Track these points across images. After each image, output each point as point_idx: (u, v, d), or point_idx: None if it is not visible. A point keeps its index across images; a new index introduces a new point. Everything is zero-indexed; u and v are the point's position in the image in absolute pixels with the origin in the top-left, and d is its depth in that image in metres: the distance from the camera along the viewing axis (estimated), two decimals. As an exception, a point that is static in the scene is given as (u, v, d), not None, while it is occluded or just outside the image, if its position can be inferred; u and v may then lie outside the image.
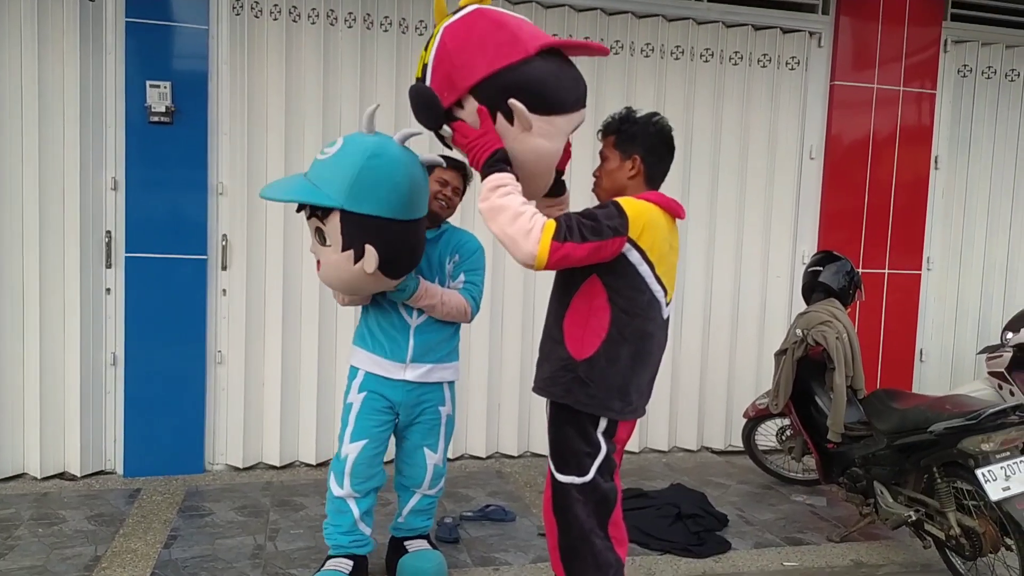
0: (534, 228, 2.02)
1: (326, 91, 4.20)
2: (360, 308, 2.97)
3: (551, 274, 2.32)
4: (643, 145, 2.30)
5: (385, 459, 2.94)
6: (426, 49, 2.25)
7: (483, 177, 2.12)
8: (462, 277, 2.97)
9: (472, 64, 2.12)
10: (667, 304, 2.31)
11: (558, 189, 2.45)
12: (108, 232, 4.01)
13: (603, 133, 2.38)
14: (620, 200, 2.17)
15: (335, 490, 2.86)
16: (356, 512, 2.87)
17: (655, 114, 2.36)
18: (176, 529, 3.45)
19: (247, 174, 4.12)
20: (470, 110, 2.15)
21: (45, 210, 3.89)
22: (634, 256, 2.16)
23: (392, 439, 2.99)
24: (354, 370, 2.92)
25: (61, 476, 4.03)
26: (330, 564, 2.84)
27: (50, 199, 3.89)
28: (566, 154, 2.35)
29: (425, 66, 2.23)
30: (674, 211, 2.28)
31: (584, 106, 2.29)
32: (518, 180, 2.13)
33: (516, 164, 2.15)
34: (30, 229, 3.88)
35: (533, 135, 2.16)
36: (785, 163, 4.91)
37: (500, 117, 2.14)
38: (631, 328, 2.20)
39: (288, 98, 4.15)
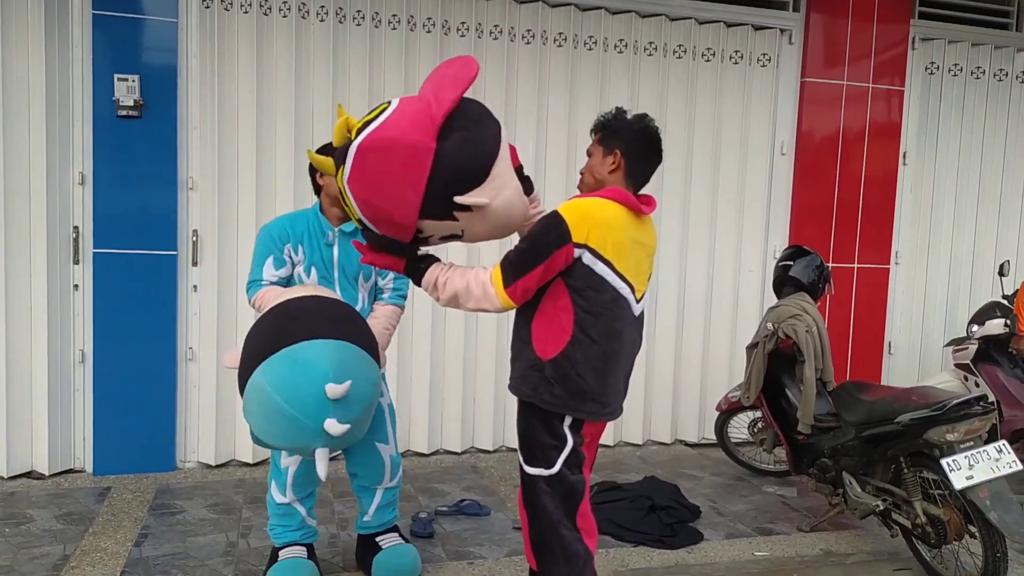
0: (486, 288, 2.16)
1: (297, 85, 4.17)
2: None
3: None
4: (625, 141, 2.31)
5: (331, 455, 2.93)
6: (347, 205, 2.16)
7: (413, 278, 2.26)
8: (390, 281, 2.97)
9: (399, 200, 2.07)
10: (637, 300, 2.31)
11: (527, 188, 2.42)
12: (76, 228, 3.95)
13: (593, 131, 2.41)
14: (562, 207, 2.18)
15: (278, 498, 2.86)
16: (303, 511, 2.90)
17: (645, 115, 2.39)
18: (147, 527, 3.41)
19: (217, 169, 4.08)
20: (432, 228, 2.16)
21: (10, 205, 3.82)
22: (587, 257, 2.16)
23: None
24: None
25: (28, 475, 3.97)
26: (286, 553, 2.85)
27: (16, 194, 3.83)
28: (513, 154, 2.28)
29: (360, 220, 2.17)
30: (635, 207, 2.25)
31: (499, 132, 2.17)
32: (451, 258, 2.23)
33: (498, 225, 2.20)
34: (-5, 224, 3.81)
35: (495, 200, 2.13)
36: (757, 159, 4.97)
37: (462, 215, 2.12)
38: (598, 328, 2.20)
39: (259, 92, 4.11)
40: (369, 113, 2.14)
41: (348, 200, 2.14)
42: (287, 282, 2.86)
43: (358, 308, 2.85)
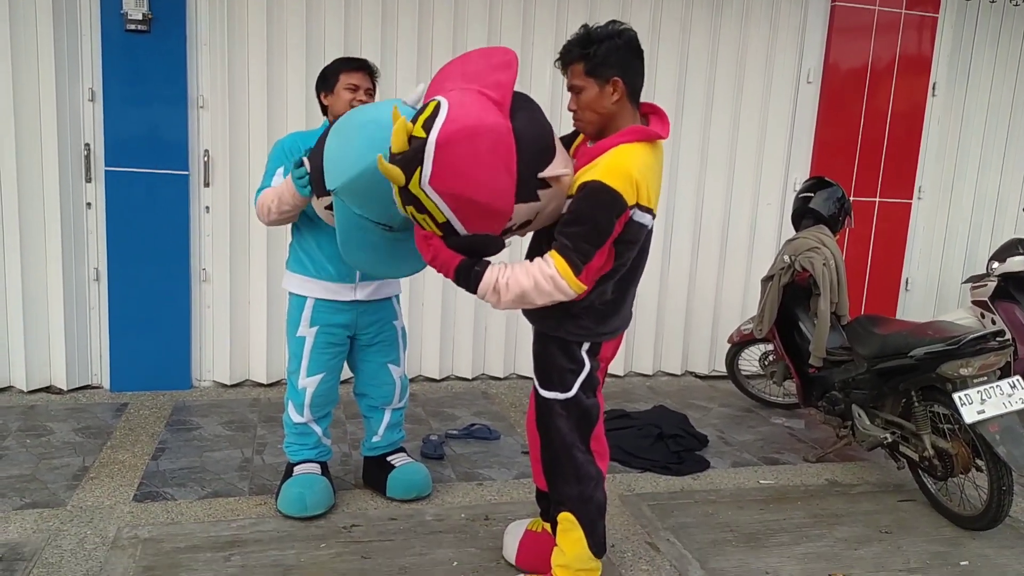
0: (556, 282, 2.04)
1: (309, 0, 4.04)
2: (291, 229, 2.88)
3: None
4: (617, 64, 2.08)
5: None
6: (421, 212, 2.02)
7: (467, 285, 2.10)
8: None
9: (496, 186, 1.99)
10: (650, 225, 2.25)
11: None
12: (87, 145, 3.91)
13: (564, 62, 2.14)
14: (603, 174, 2.02)
15: (295, 418, 2.90)
16: (319, 431, 2.95)
17: (614, 24, 2.13)
18: (164, 442, 3.49)
19: (228, 86, 4.00)
20: (519, 213, 2.07)
21: (21, 121, 3.78)
22: (638, 215, 2.09)
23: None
24: (299, 299, 2.83)
25: (48, 390, 4.05)
26: (301, 468, 2.91)
27: (26, 108, 3.78)
28: None
29: (446, 223, 2.03)
30: (657, 136, 2.15)
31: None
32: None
33: (563, 199, 2.12)
34: (6, 142, 3.78)
35: (569, 170, 2.11)
36: (781, 87, 4.82)
37: (543, 192, 2.07)
38: (626, 263, 2.18)
39: (269, 6, 3.99)
40: (420, 114, 1.99)
41: (431, 203, 1.98)
42: None
43: None
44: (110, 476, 3.11)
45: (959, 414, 2.92)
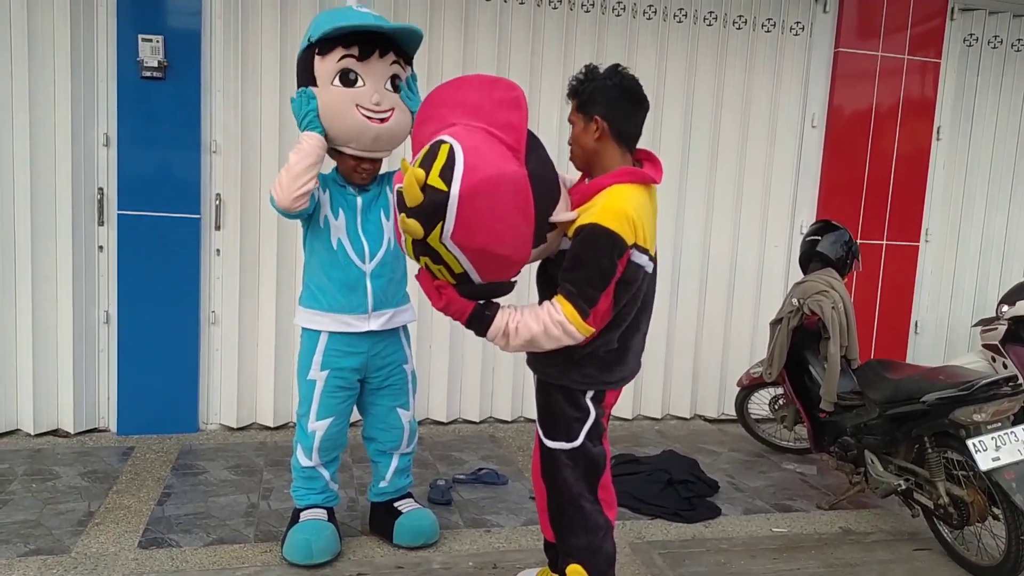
0: (564, 327, 2.05)
1: (322, 49, 4.12)
2: (305, 267, 2.86)
3: None
4: (603, 103, 2.14)
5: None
6: (437, 263, 2.02)
7: (477, 329, 2.12)
8: None
9: (516, 237, 2.00)
10: (652, 262, 2.23)
11: None
12: (100, 189, 3.96)
13: (568, 97, 2.24)
14: (601, 218, 2.04)
15: (303, 461, 2.88)
16: (327, 475, 2.93)
17: (616, 67, 2.20)
18: (169, 487, 3.46)
19: (241, 132, 4.06)
20: (533, 256, 2.13)
21: (37, 165, 3.83)
22: (635, 255, 2.10)
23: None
24: (313, 335, 2.80)
25: (55, 433, 4.04)
26: (308, 514, 2.88)
27: (42, 154, 3.84)
28: None
29: (463, 273, 2.04)
30: (651, 179, 2.19)
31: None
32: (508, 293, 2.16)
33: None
34: (21, 185, 3.83)
35: (572, 211, 2.15)
36: (786, 131, 4.86)
37: (550, 235, 2.12)
38: (628, 309, 2.18)
39: (282, 54, 4.07)
40: (432, 160, 1.93)
41: (450, 256, 1.97)
42: (309, 216, 2.75)
43: (386, 246, 2.81)
44: (115, 522, 3.08)
45: (974, 461, 2.88)
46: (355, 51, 2.59)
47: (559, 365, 2.21)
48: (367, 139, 2.67)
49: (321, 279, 2.79)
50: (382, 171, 2.90)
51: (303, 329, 2.85)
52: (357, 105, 2.62)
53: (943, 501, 3.05)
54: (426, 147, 2.00)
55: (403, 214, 1.96)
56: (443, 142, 1.96)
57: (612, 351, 2.21)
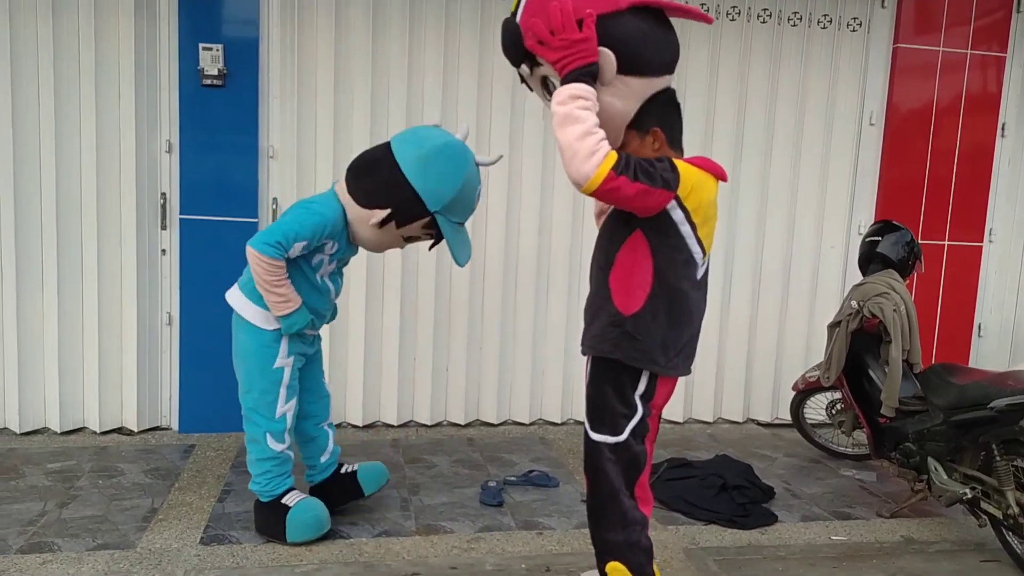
0: (598, 152, 2.00)
1: (375, 56, 4.18)
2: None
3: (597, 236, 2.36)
4: (655, 114, 2.22)
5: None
6: None
7: (566, 81, 2.06)
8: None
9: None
10: (702, 264, 2.28)
11: None
12: (163, 194, 4.08)
13: None
14: (674, 159, 2.16)
15: (276, 447, 2.97)
16: (293, 457, 3.07)
17: None
18: (229, 484, 3.54)
19: (297, 138, 4.14)
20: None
21: (102, 172, 3.97)
22: (677, 215, 2.15)
23: None
24: (276, 334, 2.94)
25: (119, 431, 4.17)
26: (293, 497, 2.99)
27: (108, 162, 3.97)
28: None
29: (519, 3, 2.17)
30: (718, 174, 2.26)
31: (670, 72, 2.22)
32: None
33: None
34: (88, 191, 3.97)
35: (605, 92, 2.12)
36: (843, 129, 4.76)
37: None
38: (669, 284, 2.21)
39: (337, 63, 4.14)
40: None
41: None
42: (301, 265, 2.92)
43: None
44: (178, 518, 3.17)
45: (1046, 470, 2.78)
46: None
47: (613, 339, 2.23)
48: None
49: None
50: None
51: (258, 327, 2.94)
52: (405, 238, 2.96)
53: (1013, 511, 2.95)
54: None
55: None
56: None
57: (662, 328, 2.21)
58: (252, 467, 3.00)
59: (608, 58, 2.08)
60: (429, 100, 4.25)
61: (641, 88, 2.17)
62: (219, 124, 4.02)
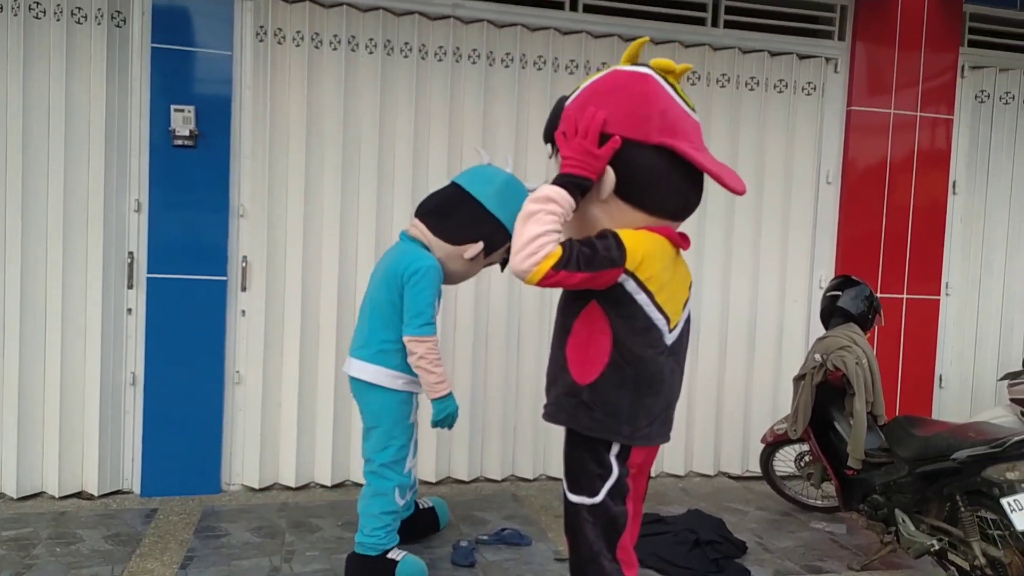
0: (540, 252, 2.02)
1: (346, 116, 4.25)
2: (392, 332, 3.10)
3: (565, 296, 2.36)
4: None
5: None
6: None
7: (556, 181, 2.11)
8: None
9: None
10: (670, 331, 2.26)
11: None
12: (131, 253, 4.06)
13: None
14: (620, 232, 2.14)
15: (400, 502, 3.12)
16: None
17: None
18: (192, 550, 3.45)
19: (268, 197, 4.17)
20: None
21: (70, 230, 3.94)
22: (631, 285, 2.15)
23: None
24: (407, 394, 3.13)
25: (79, 495, 4.05)
26: (396, 553, 3.10)
27: (75, 220, 3.95)
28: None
29: (576, 89, 2.28)
30: (677, 243, 2.28)
31: (674, 220, 2.30)
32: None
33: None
34: (54, 249, 3.93)
35: (598, 206, 2.20)
36: (802, 188, 4.92)
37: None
38: (631, 352, 2.19)
39: (309, 123, 4.20)
40: None
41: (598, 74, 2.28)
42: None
43: None
44: (139, 586, 3.07)
45: (1009, 520, 2.82)
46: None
47: (568, 409, 2.23)
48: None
49: (401, 345, 3.06)
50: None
51: (394, 391, 3.09)
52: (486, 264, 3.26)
53: (979, 562, 2.98)
54: None
55: None
56: None
57: (619, 398, 2.19)
58: (371, 521, 3.09)
59: (607, 176, 2.14)
60: (400, 161, 4.32)
61: (634, 219, 2.21)
62: (189, 183, 4.03)
